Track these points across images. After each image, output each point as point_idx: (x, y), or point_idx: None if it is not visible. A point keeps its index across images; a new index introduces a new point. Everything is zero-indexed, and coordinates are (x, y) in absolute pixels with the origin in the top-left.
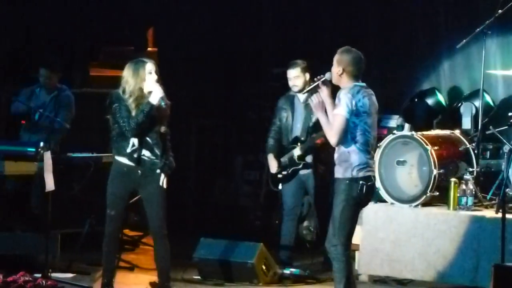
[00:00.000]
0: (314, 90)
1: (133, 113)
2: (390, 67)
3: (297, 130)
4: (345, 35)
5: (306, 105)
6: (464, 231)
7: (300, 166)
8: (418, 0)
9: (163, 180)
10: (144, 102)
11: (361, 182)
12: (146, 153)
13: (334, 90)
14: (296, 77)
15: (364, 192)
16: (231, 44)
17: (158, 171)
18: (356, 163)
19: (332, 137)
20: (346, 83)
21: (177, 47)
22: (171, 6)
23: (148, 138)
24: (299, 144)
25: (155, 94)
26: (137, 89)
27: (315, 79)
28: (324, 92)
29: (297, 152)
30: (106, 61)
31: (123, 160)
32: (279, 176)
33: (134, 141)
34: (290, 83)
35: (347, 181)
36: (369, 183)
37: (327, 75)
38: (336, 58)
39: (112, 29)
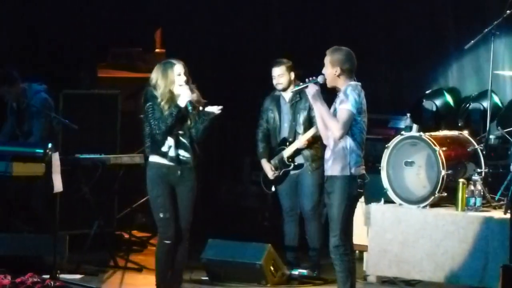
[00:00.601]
0: (303, 90)
1: (165, 114)
2: (398, 68)
3: (285, 130)
4: (352, 36)
5: (292, 105)
6: (473, 232)
7: (291, 167)
8: (426, 0)
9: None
10: (174, 103)
11: (359, 180)
12: (181, 152)
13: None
14: (280, 75)
15: (362, 190)
16: (240, 45)
17: (193, 173)
18: (353, 161)
19: (338, 130)
20: (344, 82)
21: (185, 48)
22: (179, 7)
23: (182, 138)
24: (287, 144)
25: (183, 96)
26: (167, 92)
27: (307, 80)
28: (312, 93)
29: (286, 153)
30: (114, 62)
31: (161, 160)
32: (271, 178)
33: (169, 140)
34: (274, 81)
35: (346, 179)
36: (365, 181)
37: (319, 78)
38: (328, 59)
39: (120, 30)
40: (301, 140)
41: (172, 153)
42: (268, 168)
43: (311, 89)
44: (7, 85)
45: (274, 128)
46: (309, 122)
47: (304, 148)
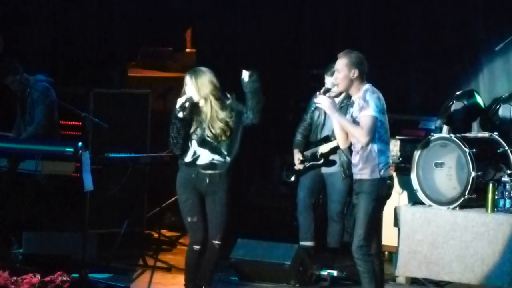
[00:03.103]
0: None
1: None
2: (428, 69)
3: (328, 129)
4: (385, 36)
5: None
6: (502, 233)
7: (320, 162)
8: (458, 2)
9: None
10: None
11: (388, 181)
12: (215, 156)
13: None
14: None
15: (391, 191)
16: (270, 45)
17: (225, 182)
18: (383, 163)
19: (363, 137)
20: (358, 85)
21: (216, 47)
22: (210, 7)
23: (216, 143)
24: (326, 142)
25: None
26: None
27: (317, 93)
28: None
29: (322, 149)
30: (144, 62)
31: (188, 167)
32: (295, 168)
33: (195, 149)
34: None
35: (376, 182)
36: (393, 181)
37: (330, 86)
38: (343, 63)
39: (150, 29)
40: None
41: (197, 161)
42: (297, 157)
43: (326, 101)
44: (12, 74)
45: (317, 125)
46: None
47: (342, 153)
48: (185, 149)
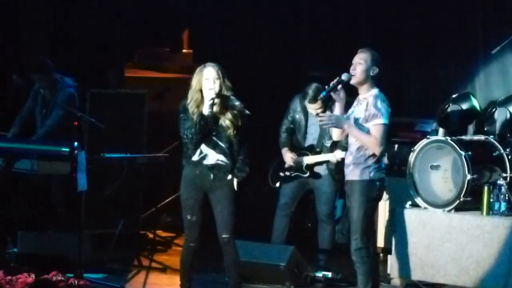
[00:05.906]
0: (333, 92)
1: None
2: (425, 72)
3: (310, 138)
4: (383, 38)
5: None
6: (498, 236)
7: (306, 175)
8: (456, 5)
9: (235, 184)
10: (202, 107)
11: (377, 183)
12: (219, 157)
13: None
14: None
15: (381, 193)
16: (269, 46)
17: (229, 176)
18: (373, 166)
19: (378, 146)
20: (370, 86)
21: (213, 48)
22: (207, 8)
23: (221, 143)
24: (312, 153)
25: (206, 103)
26: (195, 92)
27: (331, 83)
28: (341, 95)
29: (307, 160)
30: (141, 62)
31: (194, 166)
32: (281, 174)
33: (202, 148)
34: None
35: (365, 183)
36: (384, 184)
37: (344, 77)
38: (370, 57)
39: (148, 30)
40: (332, 159)
41: (204, 160)
42: (289, 155)
43: (330, 119)
44: (44, 74)
45: (299, 130)
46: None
47: (329, 163)
48: (197, 147)
